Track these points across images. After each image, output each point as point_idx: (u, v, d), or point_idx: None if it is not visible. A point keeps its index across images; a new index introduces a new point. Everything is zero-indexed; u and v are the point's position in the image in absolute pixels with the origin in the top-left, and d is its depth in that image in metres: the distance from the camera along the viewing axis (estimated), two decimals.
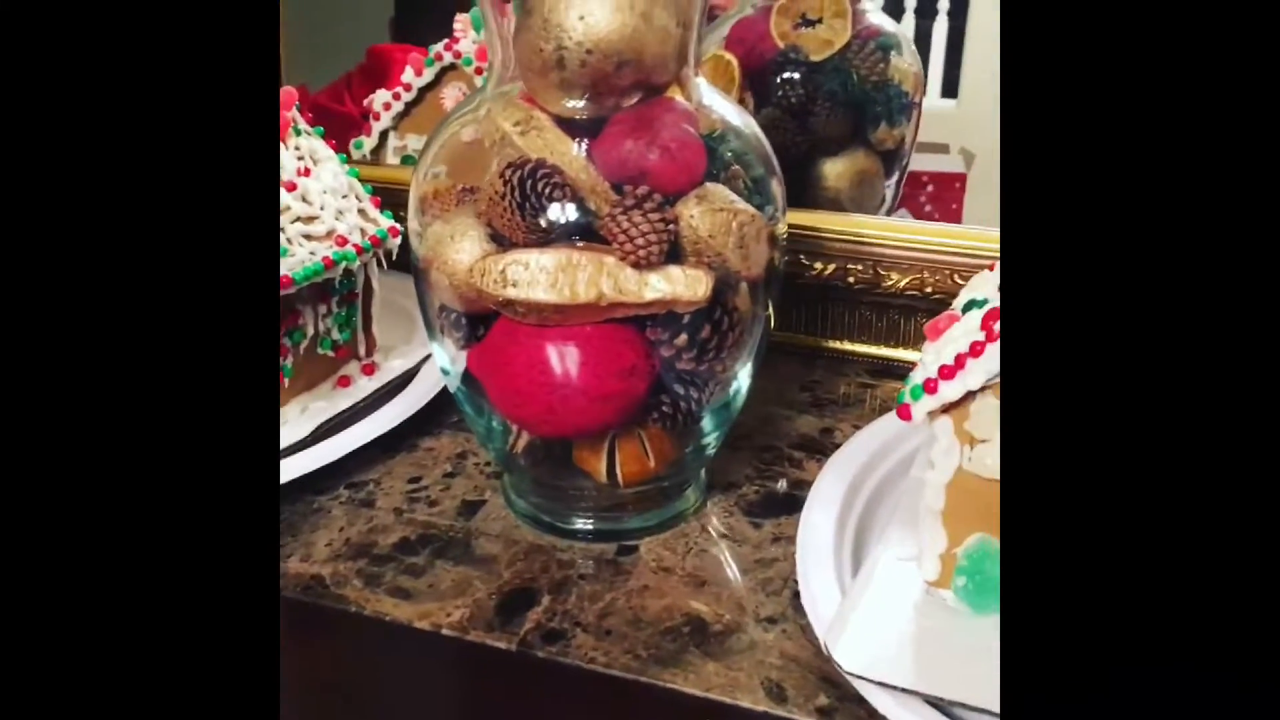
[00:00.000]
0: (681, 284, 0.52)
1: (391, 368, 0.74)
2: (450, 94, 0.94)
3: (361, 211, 0.71)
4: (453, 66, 0.93)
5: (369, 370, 0.73)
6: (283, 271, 0.63)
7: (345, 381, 0.71)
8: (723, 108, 0.57)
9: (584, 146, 0.53)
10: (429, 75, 0.94)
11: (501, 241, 0.54)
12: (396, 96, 0.94)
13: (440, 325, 0.58)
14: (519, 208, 0.51)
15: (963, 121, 0.91)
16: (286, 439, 0.65)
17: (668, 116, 0.54)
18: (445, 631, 0.54)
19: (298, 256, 0.64)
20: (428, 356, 0.75)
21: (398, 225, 0.72)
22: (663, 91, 0.55)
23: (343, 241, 0.68)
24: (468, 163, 0.57)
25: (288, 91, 0.70)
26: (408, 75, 0.95)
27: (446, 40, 0.93)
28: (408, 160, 0.95)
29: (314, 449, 0.64)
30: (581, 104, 0.53)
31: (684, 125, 0.54)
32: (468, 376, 0.59)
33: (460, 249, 0.54)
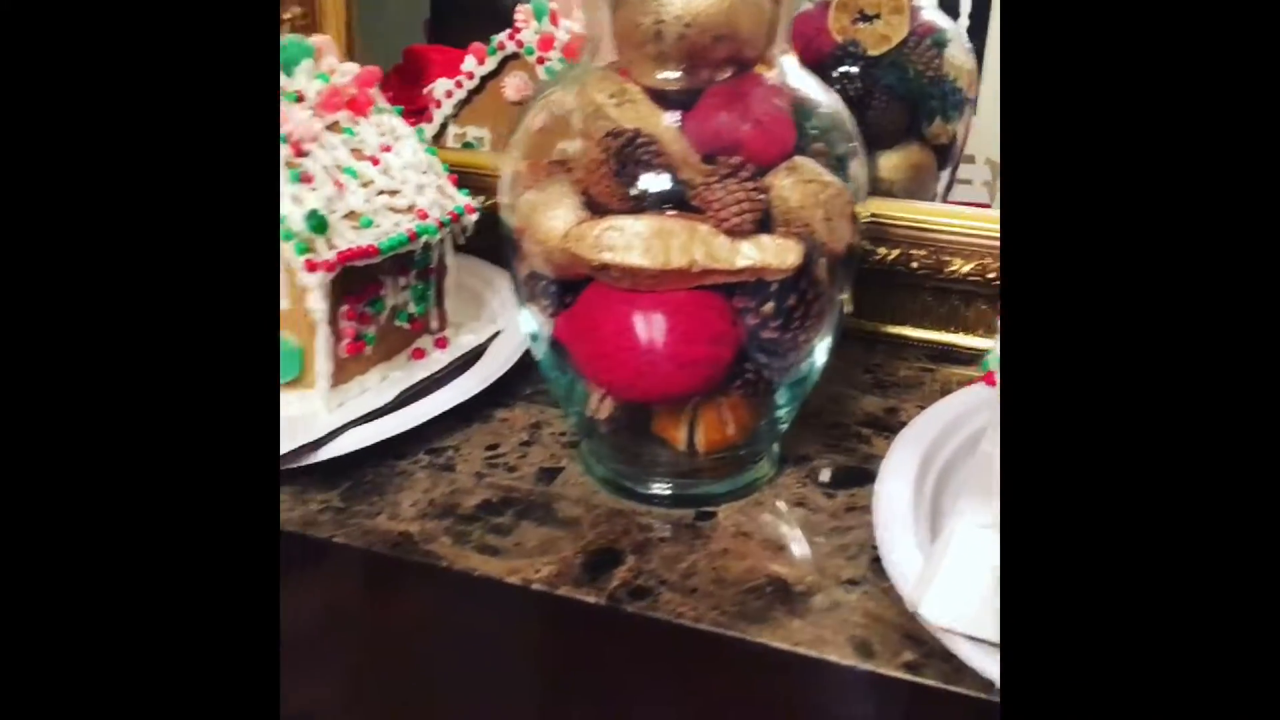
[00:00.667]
0: (772, 252, 0.54)
1: (462, 342, 0.75)
2: (512, 83, 0.96)
3: (439, 188, 0.72)
4: (515, 56, 0.95)
5: (442, 344, 0.74)
6: (370, 241, 0.65)
7: (419, 354, 0.73)
8: (809, 85, 0.58)
9: (675, 118, 0.55)
10: (491, 64, 0.96)
11: (595, 210, 0.55)
12: (459, 85, 0.96)
13: (530, 292, 0.60)
14: (617, 174, 0.53)
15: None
16: (368, 405, 0.66)
17: (759, 91, 0.56)
18: (535, 586, 0.55)
19: (383, 227, 0.66)
20: (497, 333, 0.77)
21: (473, 202, 0.74)
22: (753, 67, 0.56)
23: (424, 215, 0.69)
24: (560, 137, 0.58)
25: (370, 70, 0.72)
26: (469, 64, 0.97)
27: (509, 30, 0.95)
28: (468, 146, 0.97)
29: (395, 415, 0.66)
30: (675, 77, 0.55)
31: (775, 100, 0.56)
32: (554, 342, 0.60)
33: (554, 216, 0.56)
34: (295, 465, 0.61)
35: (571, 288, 0.58)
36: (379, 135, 0.71)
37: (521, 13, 0.96)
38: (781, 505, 0.62)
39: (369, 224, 0.66)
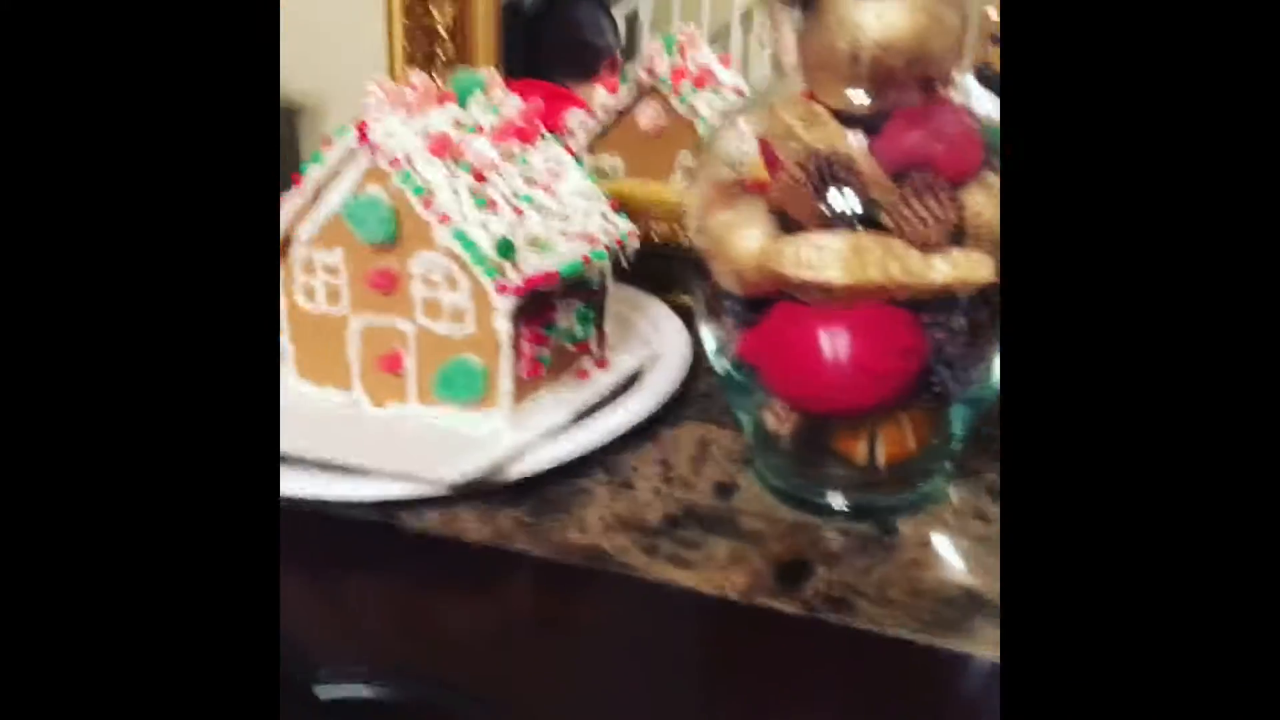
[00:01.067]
0: (965, 267, 0.55)
1: (622, 364, 0.77)
2: (645, 113, 0.99)
3: (603, 215, 0.75)
4: (650, 88, 0.98)
5: (603, 365, 0.76)
6: (551, 267, 0.67)
7: (583, 375, 0.75)
8: (990, 105, 0.60)
9: (862, 139, 0.57)
10: (625, 97, 0.98)
11: (788, 228, 0.57)
12: (594, 116, 0.99)
13: (714, 311, 0.62)
14: (816, 193, 0.55)
15: None
16: (546, 424, 0.68)
17: (947, 110, 0.57)
18: (730, 596, 0.57)
19: (560, 253, 0.68)
20: (654, 355, 0.79)
21: (634, 228, 0.76)
22: (939, 87, 0.58)
23: (594, 241, 0.72)
24: (751, 160, 0.60)
25: (536, 102, 0.75)
26: (603, 97, 1.00)
27: (645, 65, 0.97)
28: (601, 175, 1.00)
29: (574, 434, 0.68)
30: (863, 99, 0.57)
31: (962, 118, 0.57)
32: (738, 359, 0.62)
33: (748, 235, 0.58)
34: (488, 484, 0.63)
35: (757, 305, 0.60)
36: (547, 164, 0.73)
37: (653, 48, 0.99)
38: (962, 518, 0.63)
39: (548, 250, 0.68)
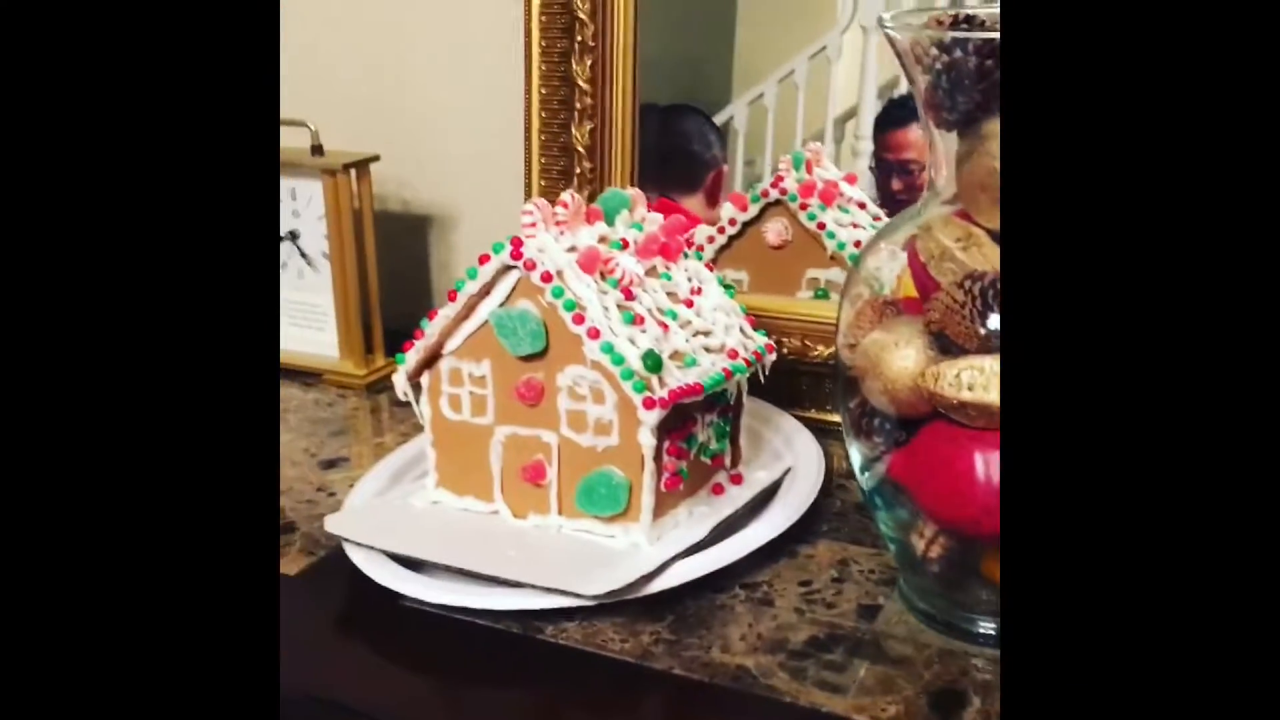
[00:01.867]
0: None
1: (757, 479, 0.77)
2: (773, 228, 1.00)
3: (741, 329, 0.75)
4: (776, 203, 0.99)
5: (737, 480, 0.76)
6: (694, 380, 0.67)
7: (719, 489, 0.74)
8: None
9: None
10: (753, 210, 1.00)
11: (944, 349, 0.57)
12: (721, 230, 1.00)
13: (863, 429, 0.62)
14: (978, 315, 0.55)
15: None
16: (685, 539, 0.68)
17: None
18: None
19: (703, 367, 0.69)
20: (787, 470, 0.78)
21: (771, 342, 0.76)
22: None
23: (734, 355, 0.72)
24: (900, 278, 0.60)
25: (677, 219, 0.76)
26: (730, 211, 1.01)
27: (772, 178, 0.99)
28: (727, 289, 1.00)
29: (713, 550, 0.67)
30: None
31: None
32: (886, 478, 0.61)
33: (904, 355, 0.57)
34: (628, 597, 0.63)
35: (908, 425, 0.60)
36: (688, 279, 0.74)
37: (783, 163, 1.00)
38: None
39: (692, 363, 0.68)
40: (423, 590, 0.64)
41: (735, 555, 0.67)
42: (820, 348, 0.87)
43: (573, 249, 0.69)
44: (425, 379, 0.72)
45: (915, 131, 0.97)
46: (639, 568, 0.64)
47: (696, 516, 0.71)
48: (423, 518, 0.72)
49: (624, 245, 0.71)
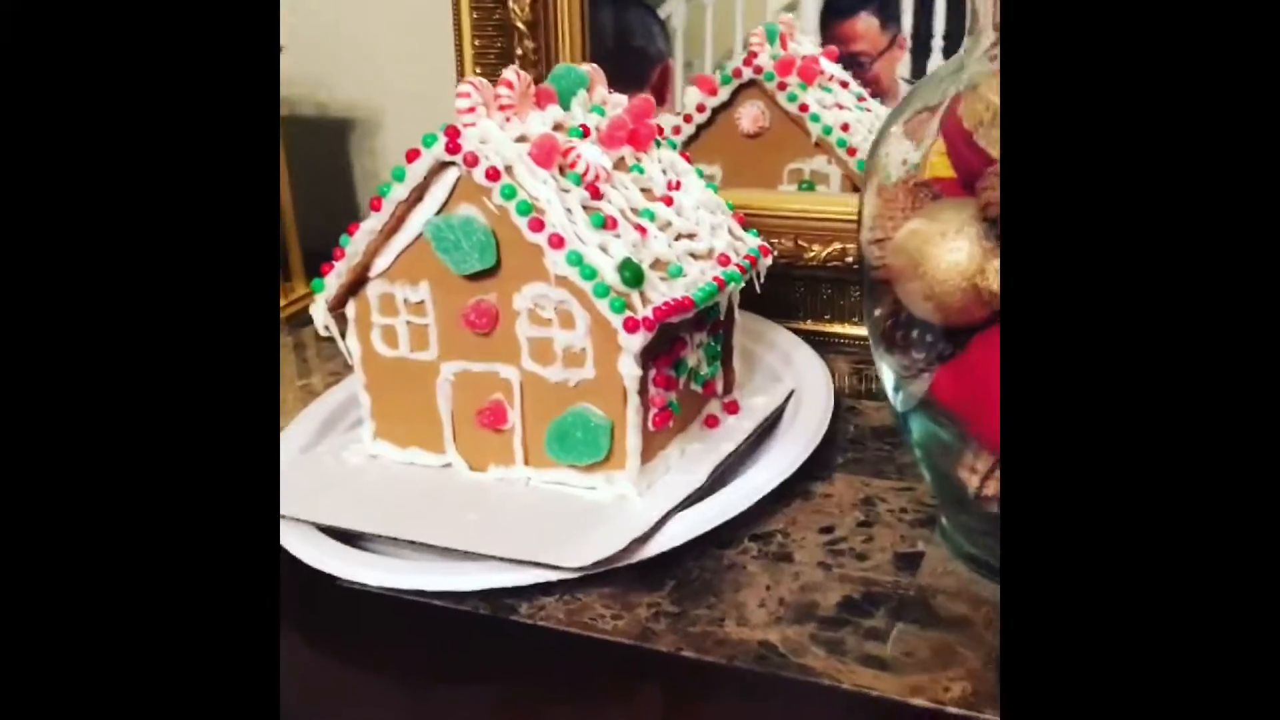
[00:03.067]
0: None
1: (755, 406, 0.65)
2: (747, 113, 0.87)
3: (730, 229, 0.63)
4: (750, 83, 0.86)
5: (732, 408, 0.64)
6: (681, 293, 0.55)
7: (713, 421, 0.63)
8: None
9: None
10: (724, 95, 0.86)
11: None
12: (688, 119, 0.87)
13: (896, 341, 0.50)
14: None
15: None
16: (680, 487, 0.56)
17: None
18: (951, 709, 0.44)
19: (690, 277, 0.56)
20: (790, 393, 0.66)
21: (766, 244, 0.64)
22: None
23: (725, 261, 0.60)
24: (939, 154, 0.48)
25: (644, 99, 0.63)
26: (695, 96, 0.88)
27: (744, 56, 0.85)
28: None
29: (714, 499, 0.56)
30: None
31: None
32: (927, 400, 0.50)
33: (955, 249, 0.45)
34: (620, 564, 0.51)
35: (955, 335, 0.48)
36: (663, 172, 0.61)
37: (756, 36, 0.87)
38: None
39: (678, 273, 0.56)
40: (366, 570, 0.52)
41: (743, 503, 0.55)
42: (815, 247, 0.75)
43: (522, 139, 0.56)
44: (351, 309, 0.59)
45: (864, 20, 0.86)
46: (630, 527, 0.52)
47: (690, 457, 0.60)
48: (360, 478, 0.59)
49: (585, 133, 0.58)
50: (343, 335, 0.60)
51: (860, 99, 0.89)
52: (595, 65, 0.64)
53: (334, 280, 0.58)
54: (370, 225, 0.56)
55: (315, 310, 0.59)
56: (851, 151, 0.84)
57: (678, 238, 0.59)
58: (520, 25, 0.76)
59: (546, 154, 0.54)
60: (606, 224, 0.54)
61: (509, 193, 0.52)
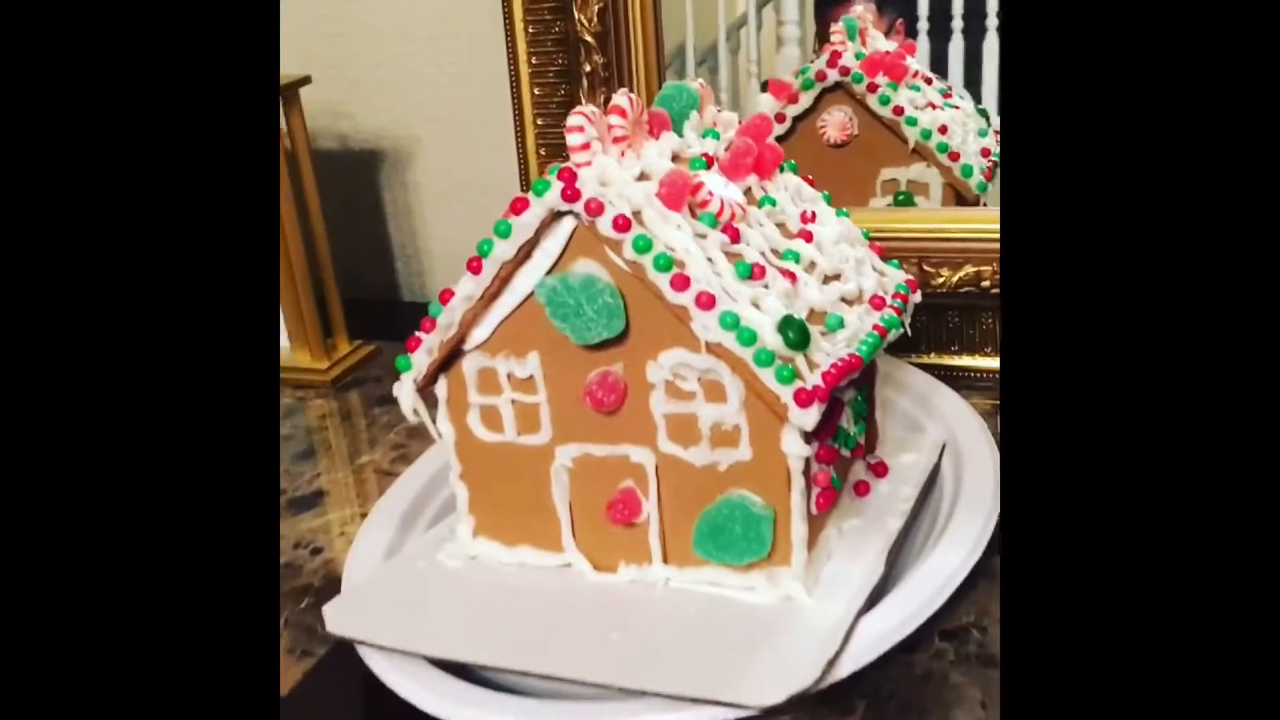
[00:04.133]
0: None
1: (905, 466, 0.56)
2: (833, 120, 0.77)
3: (872, 264, 0.54)
4: (835, 86, 0.77)
5: (881, 470, 0.55)
6: (845, 350, 0.46)
7: (864, 488, 0.53)
8: None
9: None
10: (806, 101, 0.77)
11: None
12: None
13: None
14: None
15: None
16: (859, 581, 0.47)
17: None
18: None
19: (850, 328, 0.47)
20: (943, 446, 0.57)
21: (914, 278, 0.55)
22: None
23: (879, 303, 0.50)
24: None
25: (762, 118, 0.53)
26: (769, 104, 0.79)
27: (828, 56, 0.76)
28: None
29: (897, 595, 0.47)
30: None
31: None
32: None
33: None
34: (808, 692, 0.42)
35: None
36: (794, 202, 0.52)
37: (837, 33, 0.78)
38: None
39: (838, 325, 0.47)
40: (486, 714, 0.43)
41: (935, 597, 0.46)
42: (945, 272, 0.66)
43: (644, 177, 0.46)
44: (442, 387, 0.50)
45: (860, 5, 0.79)
46: (817, 643, 0.43)
47: (851, 538, 0.50)
48: (463, 588, 0.50)
49: (708, 163, 0.49)
50: (433, 420, 0.50)
51: (946, 94, 0.81)
52: (703, 81, 0.54)
53: (424, 358, 0.48)
54: (469, 291, 0.46)
55: (401, 392, 0.49)
56: (954, 156, 0.75)
57: (825, 281, 0.49)
58: (588, 38, 0.66)
59: (678, 194, 0.45)
60: (753, 273, 0.45)
61: (643, 245, 0.43)
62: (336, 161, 0.91)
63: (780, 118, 0.78)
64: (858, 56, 0.77)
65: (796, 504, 0.45)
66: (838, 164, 0.78)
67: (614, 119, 0.47)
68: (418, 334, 0.49)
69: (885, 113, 0.76)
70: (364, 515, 0.59)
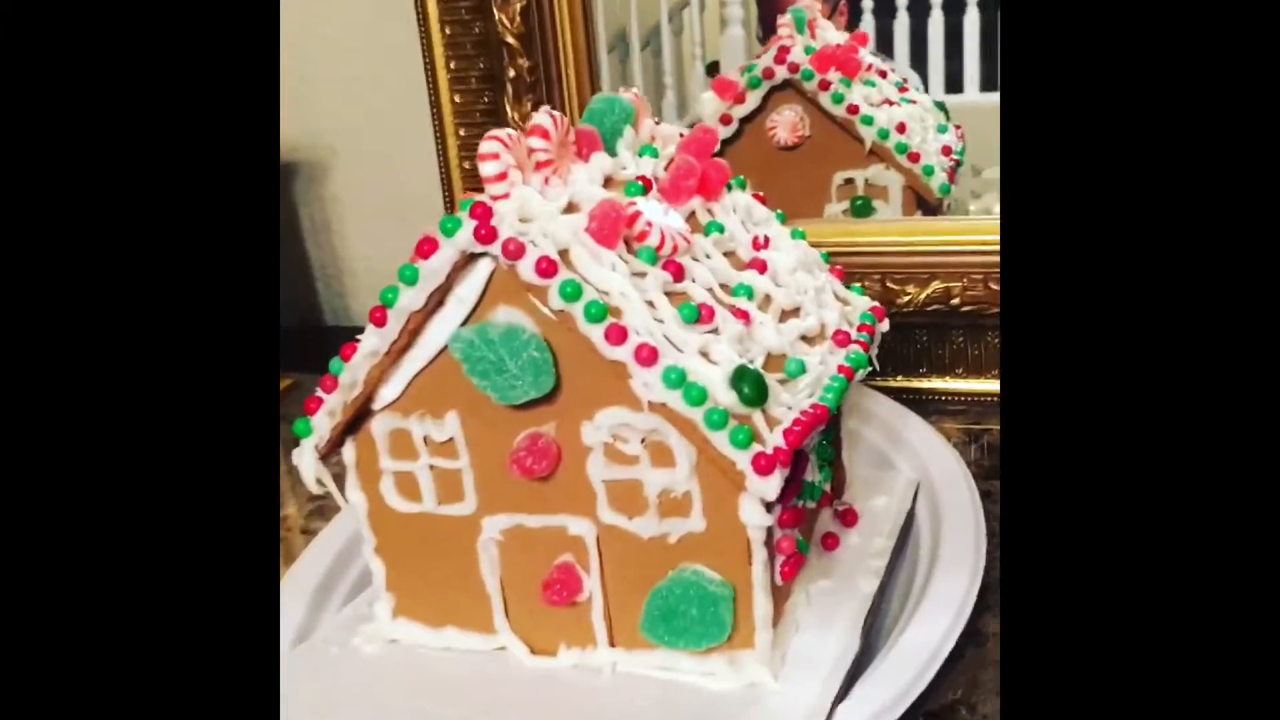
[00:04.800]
0: None
1: (874, 510, 0.50)
2: (783, 120, 0.72)
3: (834, 292, 0.48)
4: (784, 85, 0.71)
5: (850, 519, 0.50)
6: (808, 401, 0.40)
7: (832, 542, 0.48)
8: None
9: None
10: (754, 101, 0.71)
11: None
12: None
13: None
14: None
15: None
16: (833, 659, 0.41)
17: None
18: None
19: (812, 372, 0.41)
20: (916, 487, 0.52)
21: (879, 306, 0.49)
22: None
23: (843, 339, 0.45)
24: None
25: (704, 129, 0.48)
26: (713, 104, 0.73)
27: (776, 52, 0.70)
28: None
29: (876, 672, 0.41)
30: None
31: None
32: None
33: None
34: None
35: None
36: (743, 225, 0.46)
37: (784, 26, 0.72)
38: None
39: (799, 371, 0.41)
40: None
41: (920, 674, 0.41)
42: (911, 289, 0.60)
43: (571, 208, 0.40)
44: (349, 451, 0.43)
45: None
46: None
47: (821, 604, 0.45)
48: (382, 678, 0.44)
49: (645, 187, 0.43)
50: (341, 489, 0.44)
51: (901, 88, 0.75)
52: (637, 91, 0.48)
53: (325, 420, 0.42)
54: (373, 346, 0.40)
55: (301, 461, 0.43)
56: (914, 157, 0.69)
57: (782, 317, 0.43)
58: (511, 40, 0.59)
59: (611, 228, 0.39)
60: (701, 316, 0.39)
61: (571, 292, 0.37)
62: None
63: (726, 119, 0.72)
64: (807, 51, 0.71)
65: (759, 578, 0.40)
66: (789, 167, 0.73)
67: (535, 141, 0.41)
68: (318, 393, 0.42)
69: (839, 112, 0.70)
70: None
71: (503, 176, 0.39)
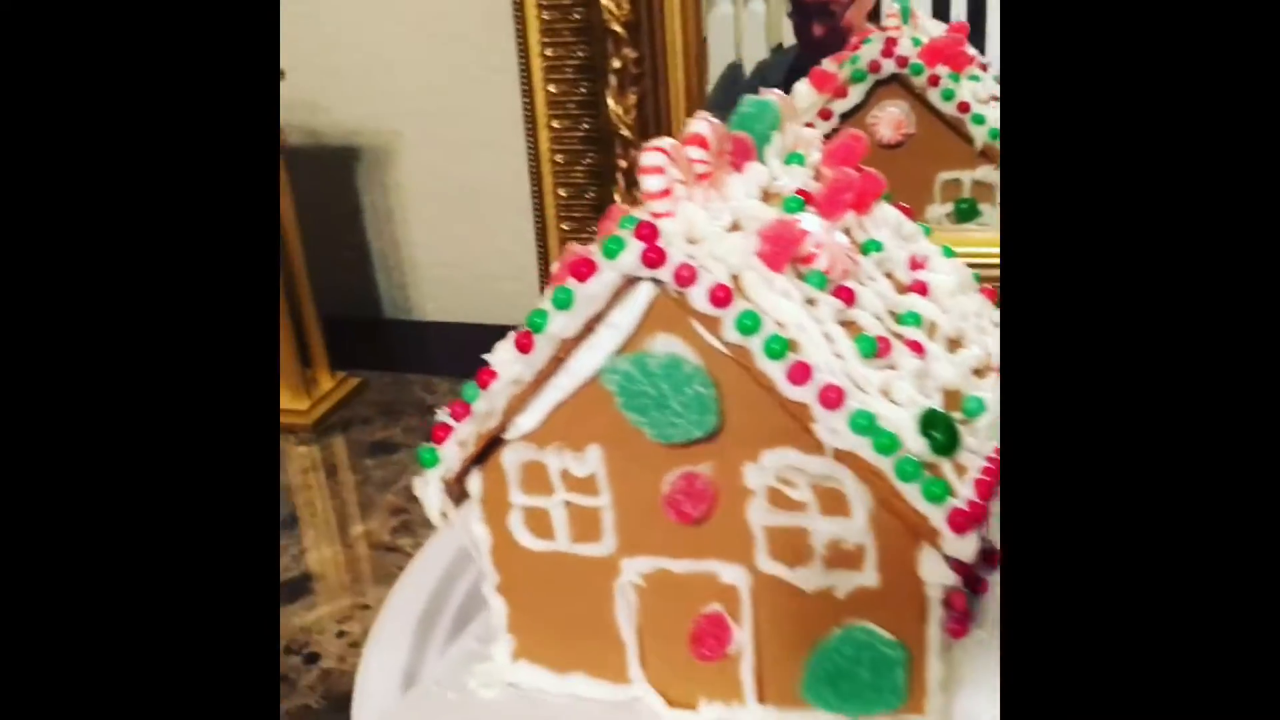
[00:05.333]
0: None
1: None
2: (886, 117, 0.68)
3: (986, 314, 0.44)
4: (890, 79, 0.67)
5: (994, 560, 0.46)
6: (990, 446, 0.36)
7: (982, 587, 0.44)
8: None
9: None
10: (856, 96, 0.67)
11: None
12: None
13: None
14: None
15: None
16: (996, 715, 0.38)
17: None
18: None
19: (992, 412, 0.38)
20: None
21: None
22: None
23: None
24: None
25: (853, 135, 0.44)
26: (810, 99, 0.69)
27: (883, 44, 0.66)
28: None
29: None
30: None
31: None
32: None
33: None
34: None
35: None
36: (898, 240, 0.43)
37: (892, 17, 0.68)
38: None
39: (978, 410, 0.37)
40: None
41: None
42: None
43: (734, 226, 0.36)
44: (476, 483, 0.40)
45: None
46: None
47: (974, 654, 0.41)
48: None
49: (804, 202, 0.39)
50: (468, 524, 0.40)
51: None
52: (780, 92, 0.44)
53: (455, 450, 0.38)
54: (516, 373, 0.36)
55: (427, 493, 0.39)
56: None
57: (951, 347, 0.40)
58: (617, 28, 0.55)
59: (784, 251, 0.35)
60: (878, 349, 0.35)
61: (750, 324, 0.33)
62: (309, 160, 0.80)
63: (825, 113, 0.68)
64: (915, 43, 0.67)
65: (934, 638, 0.36)
66: (890, 167, 0.68)
67: (694, 151, 0.37)
68: (447, 420, 0.39)
69: (949, 109, 0.66)
70: (363, 607, 0.49)
71: (667, 192, 0.35)
